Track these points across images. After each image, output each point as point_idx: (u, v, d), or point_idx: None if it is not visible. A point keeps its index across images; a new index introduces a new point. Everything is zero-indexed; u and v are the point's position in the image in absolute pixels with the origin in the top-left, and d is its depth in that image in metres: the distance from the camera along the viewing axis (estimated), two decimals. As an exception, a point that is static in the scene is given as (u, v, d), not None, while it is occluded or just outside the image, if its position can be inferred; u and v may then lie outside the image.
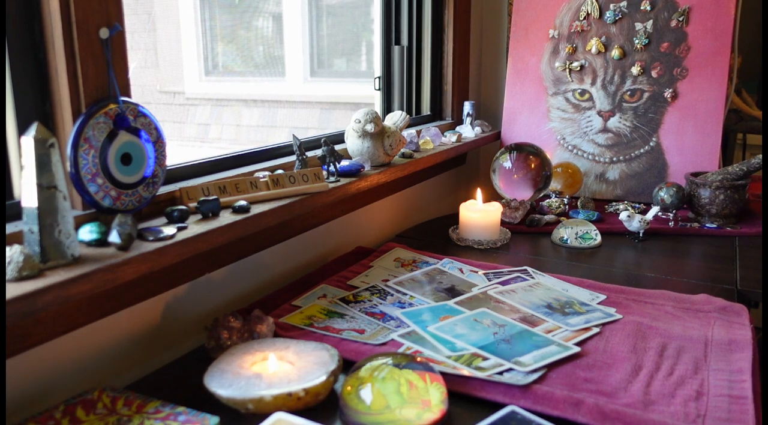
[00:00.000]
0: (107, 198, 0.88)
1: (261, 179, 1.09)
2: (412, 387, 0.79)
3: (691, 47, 1.78)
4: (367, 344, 0.97)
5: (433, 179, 1.86)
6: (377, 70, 1.83)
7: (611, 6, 1.85)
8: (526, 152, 1.70)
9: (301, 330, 1.01)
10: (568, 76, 1.91)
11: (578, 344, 0.97)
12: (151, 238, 0.85)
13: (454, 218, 1.62)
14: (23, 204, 0.75)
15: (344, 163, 1.27)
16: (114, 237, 0.80)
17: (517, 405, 0.81)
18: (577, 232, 1.50)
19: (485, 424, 0.77)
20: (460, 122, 1.99)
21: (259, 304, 1.11)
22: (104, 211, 0.88)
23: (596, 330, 1.02)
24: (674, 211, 1.63)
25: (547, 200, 1.73)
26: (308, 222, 1.30)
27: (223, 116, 3.88)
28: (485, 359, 0.91)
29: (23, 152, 0.73)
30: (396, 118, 1.44)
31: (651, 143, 1.82)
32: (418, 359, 0.85)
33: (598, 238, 1.50)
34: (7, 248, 0.72)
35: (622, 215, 1.51)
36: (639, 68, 1.82)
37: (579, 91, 1.90)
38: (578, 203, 1.73)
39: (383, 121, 1.41)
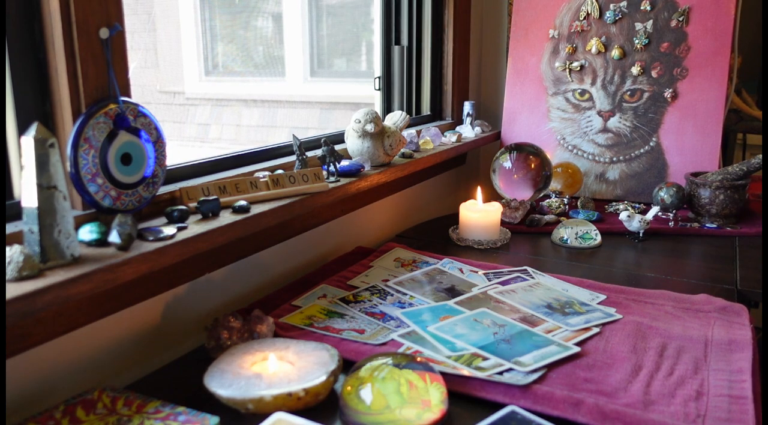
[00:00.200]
0: (107, 198, 0.88)
1: (261, 179, 1.09)
2: (412, 387, 0.79)
3: (691, 47, 1.78)
4: (367, 344, 0.97)
5: (433, 179, 1.86)
6: (377, 70, 1.83)
7: (611, 6, 1.85)
8: (526, 152, 1.70)
9: (301, 330, 1.01)
10: (568, 76, 1.91)
11: (578, 344, 0.97)
12: (151, 238, 0.85)
13: (454, 218, 1.62)
14: (23, 204, 0.75)
15: (344, 163, 1.27)
16: (114, 237, 0.80)
17: (517, 405, 0.81)
18: (577, 232, 1.50)
19: (485, 424, 0.77)
20: (460, 122, 1.99)
21: (259, 304, 1.11)
22: (104, 211, 0.88)
23: (596, 330, 1.02)
24: (674, 211, 1.63)
25: (547, 200, 1.73)
26: (308, 222, 1.30)
27: (223, 116, 3.88)
28: (485, 359, 0.91)
29: (23, 152, 0.73)
30: (396, 118, 1.44)
31: (651, 143, 1.82)
32: (418, 359, 0.85)
33: (598, 238, 1.50)
34: (7, 248, 0.72)
35: (622, 215, 1.51)
36: (639, 68, 1.82)
37: (579, 91, 1.90)
38: (578, 203, 1.73)
39: (383, 121, 1.41)
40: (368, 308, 1.10)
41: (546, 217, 1.63)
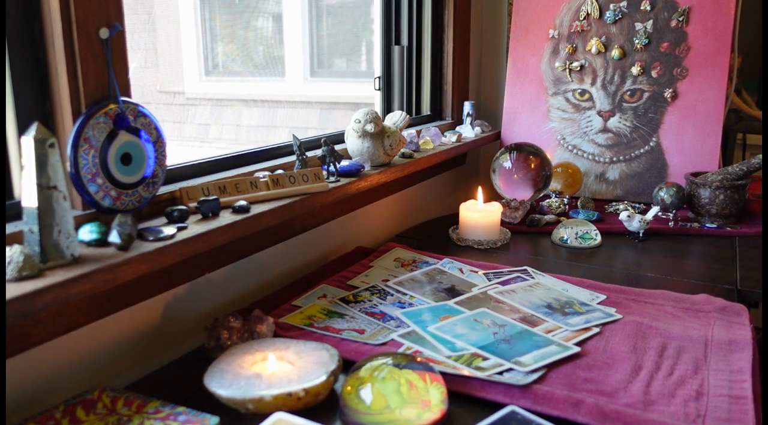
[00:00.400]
0: (107, 198, 0.88)
1: (261, 179, 1.09)
2: (412, 387, 0.79)
3: (691, 47, 1.78)
4: (367, 344, 0.97)
5: (433, 179, 1.86)
6: (377, 70, 1.83)
7: (611, 6, 1.85)
8: (526, 152, 1.70)
9: (301, 330, 1.01)
10: (568, 76, 1.91)
11: (578, 344, 0.97)
12: (151, 238, 0.85)
13: (454, 218, 1.62)
14: (23, 204, 0.75)
15: (344, 163, 1.27)
16: (114, 237, 0.80)
17: (517, 405, 0.81)
18: (577, 232, 1.50)
19: (485, 424, 0.77)
20: (460, 122, 1.99)
21: (259, 304, 1.11)
22: (104, 211, 0.88)
23: (596, 330, 1.02)
24: (674, 211, 1.63)
25: (547, 200, 1.73)
26: (308, 222, 1.30)
27: (223, 116, 3.88)
28: (485, 359, 0.91)
29: (23, 152, 0.73)
30: (396, 118, 1.44)
31: (651, 143, 1.82)
32: (418, 359, 0.85)
33: (598, 238, 1.50)
34: (7, 248, 0.72)
35: (622, 215, 1.51)
36: (639, 68, 1.82)
37: (579, 91, 1.90)
38: (578, 203, 1.73)
39: (383, 121, 1.41)
40: (368, 308, 1.10)
41: (546, 217, 1.63)
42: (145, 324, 0.98)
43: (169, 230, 0.88)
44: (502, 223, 1.56)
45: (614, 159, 1.86)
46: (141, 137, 0.92)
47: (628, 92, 1.84)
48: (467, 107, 1.93)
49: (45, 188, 0.74)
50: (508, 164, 1.70)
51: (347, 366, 0.90)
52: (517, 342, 0.97)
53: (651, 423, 0.77)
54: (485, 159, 2.15)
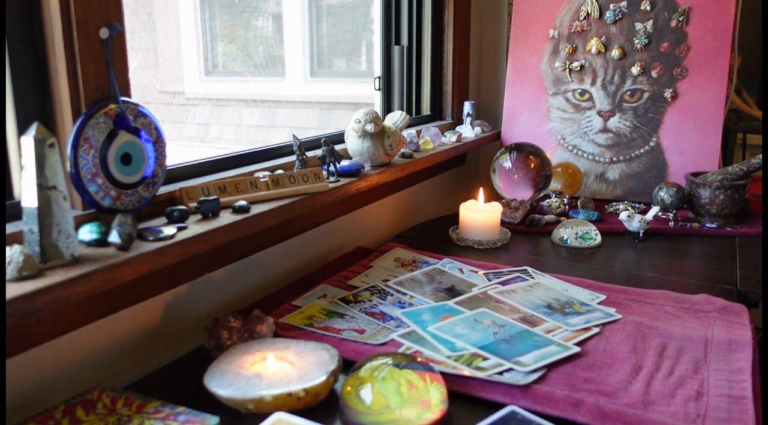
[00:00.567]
0: (107, 198, 0.88)
1: (261, 179, 1.09)
2: (412, 387, 0.79)
3: (691, 47, 1.78)
4: (367, 344, 0.97)
5: (433, 179, 1.86)
6: (377, 70, 1.83)
7: (611, 6, 1.85)
8: (526, 152, 1.70)
9: (301, 330, 1.01)
10: (568, 76, 1.91)
11: (578, 344, 0.97)
12: (151, 238, 0.85)
13: (454, 218, 1.62)
14: (23, 204, 0.75)
15: (344, 163, 1.27)
16: (114, 237, 0.80)
17: (517, 405, 0.81)
18: (577, 232, 1.50)
19: (485, 424, 0.77)
20: (460, 122, 1.99)
21: (259, 304, 1.11)
22: (104, 211, 0.88)
23: (596, 330, 1.02)
24: (674, 211, 1.63)
25: (547, 200, 1.73)
26: (308, 222, 1.30)
27: (223, 116, 3.88)
28: (485, 359, 0.91)
29: (23, 152, 0.73)
30: (396, 118, 1.44)
31: (651, 143, 1.82)
32: (418, 359, 0.85)
33: (598, 238, 1.50)
34: (7, 248, 0.72)
35: (622, 215, 1.51)
36: (639, 68, 1.82)
37: (579, 91, 1.90)
38: (578, 203, 1.73)
39: (383, 121, 1.41)
40: (368, 308, 1.10)
41: (546, 217, 1.63)
42: (145, 324, 0.98)
43: (169, 230, 0.88)
44: (502, 223, 1.56)
45: (614, 159, 1.86)
46: (141, 137, 0.92)
47: (628, 92, 1.85)
48: (467, 107, 1.93)
49: (45, 188, 0.74)
50: (508, 164, 1.70)
51: (347, 366, 0.90)
52: (517, 342, 0.97)
53: (651, 423, 0.77)
54: (485, 159, 2.15)
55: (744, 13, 1.81)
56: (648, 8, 1.81)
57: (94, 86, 0.86)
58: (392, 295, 1.16)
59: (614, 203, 1.79)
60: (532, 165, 1.69)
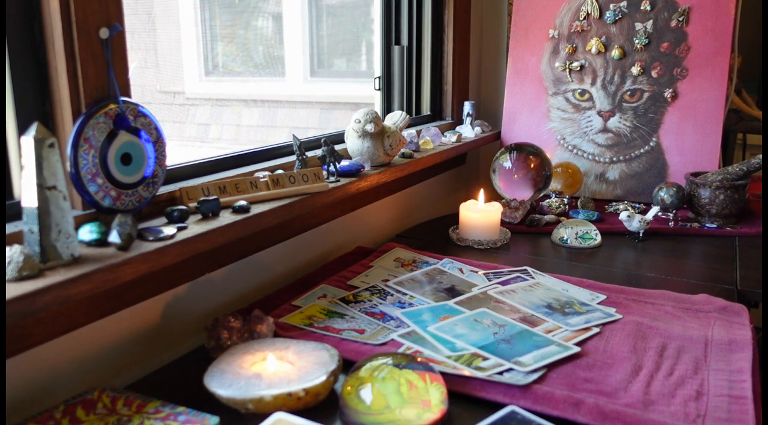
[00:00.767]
0: (107, 198, 0.88)
1: (261, 179, 1.09)
2: (412, 387, 0.79)
3: (691, 47, 1.78)
4: (367, 344, 0.97)
5: (433, 179, 1.86)
6: (377, 70, 1.83)
7: (611, 6, 1.85)
8: (526, 152, 1.70)
9: (301, 330, 1.01)
10: (568, 76, 1.91)
11: (578, 344, 0.97)
12: (151, 238, 0.85)
13: (454, 218, 1.62)
14: (23, 204, 0.75)
15: (344, 163, 1.27)
16: (114, 237, 0.80)
17: (517, 405, 0.81)
18: (577, 232, 1.50)
19: (485, 424, 0.77)
20: (460, 122, 1.99)
21: (259, 304, 1.11)
22: (104, 211, 0.88)
23: (596, 330, 1.02)
24: (674, 211, 1.63)
25: (547, 200, 1.73)
26: (308, 222, 1.30)
27: (223, 116, 3.88)
28: (485, 359, 0.91)
29: (23, 152, 0.73)
30: (396, 118, 1.44)
31: (651, 143, 1.82)
32: (418, 359, 0.85)
33: (598, 238, 1.50)
34: (7, 248, 0.72)
35: (622, 215, 1.51)
36: (639, 68, 1.82)
37: (579, 91, 1.90)
38: (578, 203, 1.73)
39: (383, 121, 1.41)
40: (368, 308, 1.10)
41: (546, 217, 1.63)
42: (145, 324, 0.98)
43: (169, 230, 0.88)
44: (502, 223, 1.56)
45: (614, 159, 1.86)
46: (141, 137, 0.92)
47: (628, 92, 1.85)
48: (467, 107, 1.93)
49: (45, 188, 0.74)
50: (508, 164, 1.70)
51: (347, 366, 0.90)
52: (517, 342, 0.96)
53: (651, 423, 0.77)
54: (485, 159, 2.15)
55: (744, 13, 1.81)
56: (648, 8, 1.81)
57: (94, 86, 0.86)
58: (392, 295, 1.16)
59: (614, 203, 1.79)
60: (532, 165, 1.69)
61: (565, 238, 1.50)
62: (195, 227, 0.92)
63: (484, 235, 1.48)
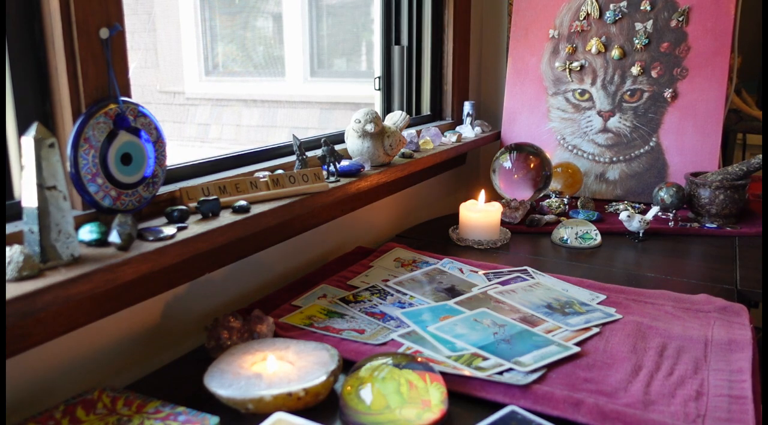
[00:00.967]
0: (107, 198, 0.88)
1: (261, 179, 1.09)
2: (412, 387, 0.79)
3: (691, 47, 1.78)
4: (367, 344, 0.97)
5: (433, 179, 1.86)
6: (377, 70, 1.83)
7: (611, 6, 1.85)
8: (526, 152, 1.70)
9: (301, 330, 1.01)
10: (568, 76, 1.91)
11: (578, 344, 0.97)
12: (151, 238, 0.85)
13: (454, 218, 1.62)
14: (23, 204, 0.75)
15: (344, 163, 1.27)
16: (114, 237, 0.80)
17: (517, 405, 0.81)
18: (577, 232, 1.50)
19: (485, 424, 0.77)
20: (460, 122, 1.99)
21: (259, 304, 1.11)
22: (104, 211, 0.88)
23: (596, 330, 1.02)
24: (674, 211, 1.63)
25: (547, 200, 1.73)
26: (308, 222, 1.30)
27: (223, 116, 3.88)
28: (485, 359, 0.91)
29: (23, 152, 0.73)
30: (396, 118, 1.44)
31: (651, 143, 1.82)
32: (418, 359, 0.85)
33: (598, 238, 1.50)
34: (7, 248, 0.72)
35: (622, 215, 1.51)
36: (639, 68, 1.82)
37: (579, 91, 1.90)
38: (578, 203, 1.73)
39: (383, 121, 1.41)
40: (368, 308, 1.10)
41: (546, 217, 1.63)
42: (145, 324, 0.98)
43: (169, 230, 0.88)
44: (502, 223, 1.56)
45: (614, 159, 1.86)
46: (141, 137, 0.92)
47: (628, 92, 1.85)
48: (467, 107, 1.93)
49: (45, 188, 0.74)
50: (508, 164, 1.70)
51: (347, 366, 0.90)
52: (517, 342, 0.96)
53: (651, 423, 0.77)
54: (485, 159, 2.15)
55: (744, 13, 1.81)
56: (648, 8, 1.81)
57: (94, 86, 0.86)
58: (392, 295, 1.16)
59: (614, 203, 1.79)
60: (532, 165, 1.69)
61: (565, 238, 1.50)
62: (195, 227, 0.92)
63: (484, 235, 1.48)
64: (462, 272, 1.28)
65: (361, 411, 0.77)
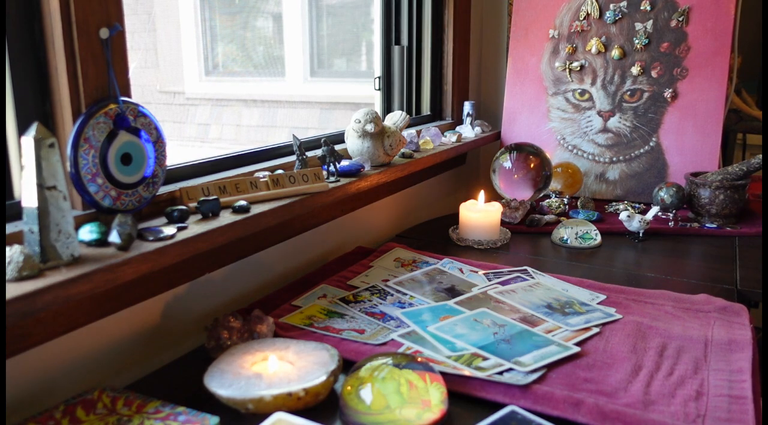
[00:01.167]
0: (107, 198, 0.88)
1: (261, 179, 1.09)
2: (412, 387, 0.79)
3: (691, 47, 1.78)
4: (367, 344, 0.97)
5: (433, 179, 1.86)
6: (377, 70, 1.83)
7: (611, 6, 1.85)
8: (526, 152, 1.70)
9: (301, 330, 1.01)
10: (568, 76, 1.91)
11: (578, 344, 0.97)
12: (151, 238, 0.85)
13: (454, 218, 1.62)
14: (23, 204, 0.75)
15: (344, 163, 1.27)
16: (114, 237, 0.80)
17: (517, 405, 0.81)
18: (577, 232, 1.50)
19: (485, 424, 0.77)
20: (460, 122, 1.99)
21: (259, 304, 1.11)
22: (104, 211, 0.88)
23: (596, 330, 1.02)
24: (674, 211, 1.63)
25: (547, 200, 1.73)
26: (308, 222, 1.30)
27: (223, 116, 3.88)
28: (485, 359, 0.91)
29: (23, 152, 0.73)
30: (396, 118, 1.44)
31: (651, 143, 1.82)
32: (418, 359, 0.85)
33: (598, 238, 1.50)
34: (7, 248, 0.72)
35: (622, 215, 1.51)
36: (639, 68, 1.82)
37: (579, 91, 1.90)
38: (578, 203, 1.73)
39: (383, 121, 1.41)
40: (368, 308, 1.10)
41: (546, 217, 1.63)
42: (145, 324, 0.98)
43: (169, 230, 0.88)
44: (502, 223, 1.56)
45: (614, 159, 1.86)
46: (141, 137, 0.92)
47: (628, 92, 1.85)
48: (467, 107, 1.93)
49: (45, 188, 0.74)
50: (508, 164, 1.70)
51: (347, 366, 0.90)
52: (517, 342, 0.97)
53: (651, 423, 0.77)
54: (485, 159, 2.15)
55: (744, 13, 1.81)
56: (648, 8, 1.81)
57: (94, 86, 0.86)
58: (392, 295, 1.16)
59: (614, 203, 1.79)
60: (532, 165, 1.69)
61: (565, 238, 1.50)
62: (195, 227, 0.92)
63: (484, 235, 1.48)
64: (462, 272, 1.28)
65: (361, 411, 0.77)
